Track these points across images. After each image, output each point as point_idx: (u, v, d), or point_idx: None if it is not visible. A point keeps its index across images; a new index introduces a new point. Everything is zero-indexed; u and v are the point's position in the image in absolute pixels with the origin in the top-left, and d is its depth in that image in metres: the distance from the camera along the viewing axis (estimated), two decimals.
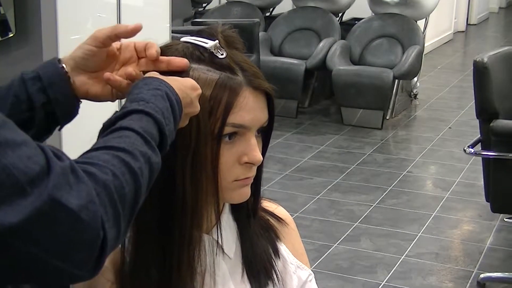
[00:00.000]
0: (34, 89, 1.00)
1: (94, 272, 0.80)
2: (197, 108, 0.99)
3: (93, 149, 0.84)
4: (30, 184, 0.74)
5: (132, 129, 0.86)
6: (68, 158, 0.79)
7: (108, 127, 0.88)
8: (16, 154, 0.74)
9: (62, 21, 2.85)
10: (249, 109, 1.04)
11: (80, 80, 1.03)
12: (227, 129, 1.03)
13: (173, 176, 1.03)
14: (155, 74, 0.98)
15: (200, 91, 0.99)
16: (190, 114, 0.99)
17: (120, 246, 1.06)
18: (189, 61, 1.03)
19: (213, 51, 1.04)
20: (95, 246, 0.77)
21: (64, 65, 1.02)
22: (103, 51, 1.04)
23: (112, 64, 1.06)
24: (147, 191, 0.86)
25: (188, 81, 0.99)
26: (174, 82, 0.96)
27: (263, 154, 1.10)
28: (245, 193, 1.08)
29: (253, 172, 1.08)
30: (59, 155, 0.79)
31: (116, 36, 1.03)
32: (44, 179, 0.75)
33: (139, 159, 0.84)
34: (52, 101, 1.00)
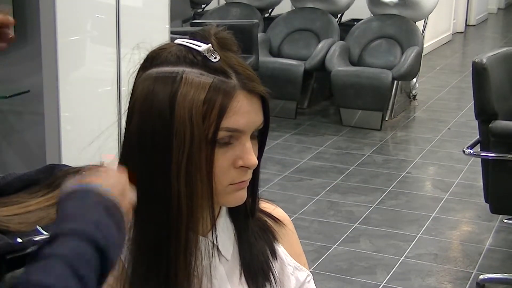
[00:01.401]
0: None
1: None
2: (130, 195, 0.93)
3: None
4: None
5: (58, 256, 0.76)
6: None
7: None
8: None
9: (61, 22, 2.85)
10: (244, 113, 1.03)
11: None
12: (221, 134, 1.02)
13: (168, 181, 1.02)
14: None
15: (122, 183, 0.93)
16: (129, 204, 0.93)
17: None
18: (182, 64, 1.03)
19: (206, 54, 1.03)
20: None
21: None
22: None
23: None
24: None
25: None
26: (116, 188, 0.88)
27: (260, 156, 1.10)
28: (240, 197, 1.08)
29: (248, 176, 1.07)
30: None
31: None
32: None
33: None
34: None
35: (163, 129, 1.01)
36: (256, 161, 1.06)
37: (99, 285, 0.78)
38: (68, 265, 0.74)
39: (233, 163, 1.05)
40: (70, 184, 0.86)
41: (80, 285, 0.73)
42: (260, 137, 1.10)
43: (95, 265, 0.77)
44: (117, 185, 0.88)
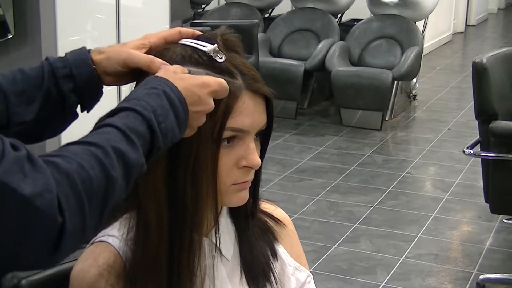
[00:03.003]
0: (67, 88, 1.03)
1: (51, 259, 0.80)
2: (208, 105, 0.97)
3: (69, 143, 0.85)
4: None
5: (113, 125, 0.87)
6: (26, 149, 0.80)
7: (98, 124, 0.89)
8: None
9: (61, 22, 2.85)
10: (248, 113, 1.04)
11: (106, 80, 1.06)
12: (226, 133, 1.03)
13: (175, 180, 1.02)
14: (163, 72, 0.98)
15: (213, 88, 0.97)
16: (203, 112, 0.97)
17: (121, 250, 1.06)
18: (187, 64, 1.03)
19: (212, 54, 1.03)
20: (51, 233, 0.77)
21: (94, 66, 1.04)
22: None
23: None
24: (127, 187, 0.86)
25: (197, 79, 0.97)
26: (179, 81, 0.95)
27: (262, 157, 1.10)
28: (243, 197, 1.08)
29: (251, 176, 1.08)
30: (17, 146, 0.79)
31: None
32: None
33: (110, 155, 0.83)
34: (82, 96, 1.05)
35: None
36: (260, 162, 1.06)
37: (146, 161, 0.89)
38: (121, 133, 0.86)
39: (237, 163, 1.05)
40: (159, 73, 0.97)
41: (115, 156, 0.84)
42: (263, 138, 1.11)
43: (145, 141, 0.88)
44: (192, 94, 0.96)
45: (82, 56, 1.04)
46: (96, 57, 1.04)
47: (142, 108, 0.89)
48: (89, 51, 1.05)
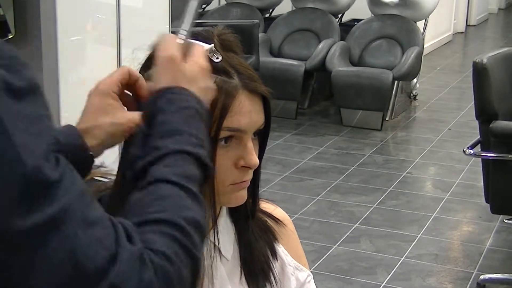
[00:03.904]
0: None
1: None
2: (212, 86, 0.97)
3: (137, 223, 0.77)
4: (96, 275, 0.69)
5: (168, 180, 0.80)
6: (139, 241, 0.74)
7: (142, 170, 0.82)
8: (88, 235, 0.69)
9: (61, 22, 2.84)
10: (245, 113, 1.04)
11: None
12: (223, 133, 1.02)
13: None
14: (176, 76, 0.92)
15: (205, 66, 0.96)
16: (211, 95, 0.97)
17: None
18: None
19: (208, 54, 1.03)
20: None
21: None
22: None
23: None
24: (199, 252, 0.81)
25: (196, 71, 0.94)
26: (192, 84, 0.91)
27: (260, 156, 1.10)
28: (241, 197, 1.08)
29: (249, 176, 1.07)
30: (131, 235, 0.73)
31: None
32: (109, 268, 0.70)
33: (186, 230, 0.78)
34: None
35: None
36: (258, 161, 1.06)
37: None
38: (180, 188, 0.79)
39: (235, 163, 1.05)
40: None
41: (190, 228, 0.78)
42: (261, 138, 1.11)
43: (199, 180, 0.84)
44: (205, 93, 0.92)
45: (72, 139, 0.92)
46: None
47: (190, 146, 0.83)
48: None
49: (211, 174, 0.87)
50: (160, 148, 0.83)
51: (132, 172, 0.83)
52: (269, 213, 1.22)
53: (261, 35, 6.24)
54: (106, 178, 1.10)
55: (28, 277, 0.66)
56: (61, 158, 0.70)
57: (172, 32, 1.03)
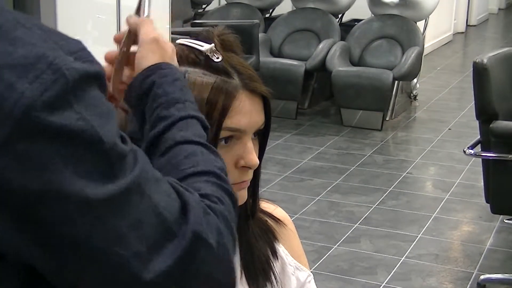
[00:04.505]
0: None
1: None
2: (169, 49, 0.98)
3: (186, 175, 0.84)
4: (176, 223, 0.74)
5: (189, 141, 0.87)
6: (192, 190, 0.80)
7: (156, 139, 0.88)
8: (160, 191, 0.75)
9: (61, 22, 2.85)
10: (245, 113, 1.04)
11: None
12: (223, 133, 1.03)
13: None
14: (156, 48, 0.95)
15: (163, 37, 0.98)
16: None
17: None
18: (184, 64, 1.03)
19: (209, 54, 1.03)
20: (229, 285, 0.79)
21: None
22: None
23: None
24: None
25: (170, 47, 0.97)
26: (172, 58, 0.96)
27: (261, 156, 1.10)
28: (241, 197, 1.08)
29: (249, 176, 1.07)
30: (187, 187, 0.79)
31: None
32: (185, 215, 0.75)
33: (222, 176, 0.85)
34: None
35: None
36: (258, 161, 1.06)
37: None
38: (202, 146, 0.87)
39: (235, 163, 1.05)
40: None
41: (222, 173, 0.86)
42: (261, 138, 1.10)
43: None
44: (173, 59, 0.96)
45: None
46: None
47: (193, 111, 0.90)
48: None
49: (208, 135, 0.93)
50: (167, 117, 0.89)
51: (150, 140, 0.88)
52: (269, 213, 1.22)
53: (261, 35, 6.24)
54: None
55: (123, 238, 0.71)
56: (122, 133, 0.77)
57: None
